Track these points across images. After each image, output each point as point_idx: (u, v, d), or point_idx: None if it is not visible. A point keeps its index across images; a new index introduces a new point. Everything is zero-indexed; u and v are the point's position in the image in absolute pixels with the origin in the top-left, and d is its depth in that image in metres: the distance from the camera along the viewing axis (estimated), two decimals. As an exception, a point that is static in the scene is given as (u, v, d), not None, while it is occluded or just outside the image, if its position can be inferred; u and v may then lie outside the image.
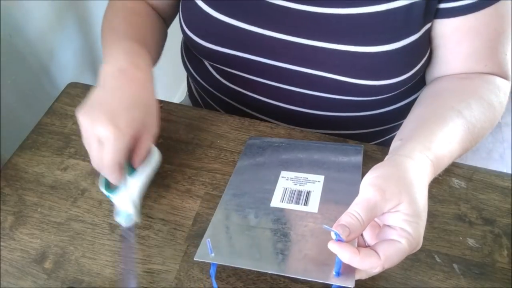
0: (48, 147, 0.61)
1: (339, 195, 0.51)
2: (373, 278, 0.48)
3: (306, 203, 0.51)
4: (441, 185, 0.57)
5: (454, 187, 0.56)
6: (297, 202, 0.51)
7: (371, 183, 0.40)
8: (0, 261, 0.50)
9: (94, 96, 0.48)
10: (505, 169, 1.67)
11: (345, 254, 0.37)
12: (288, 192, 0.52)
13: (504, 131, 1.80)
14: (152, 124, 0.50)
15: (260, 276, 0.48)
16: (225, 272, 0.48)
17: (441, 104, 0.52)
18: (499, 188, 0.56)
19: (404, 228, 0.38)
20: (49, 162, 0.59)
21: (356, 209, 0.38)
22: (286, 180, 0.54)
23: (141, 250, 0.50)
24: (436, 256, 0.50)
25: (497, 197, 0.55)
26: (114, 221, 0.53)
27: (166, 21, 0.71)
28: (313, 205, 0.50)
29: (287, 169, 0.56)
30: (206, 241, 0.46)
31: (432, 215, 0.53)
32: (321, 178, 0.54)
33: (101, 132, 0.45)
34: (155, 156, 0.54)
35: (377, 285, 0.48)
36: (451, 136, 0.48)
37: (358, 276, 0.41)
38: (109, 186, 0.54)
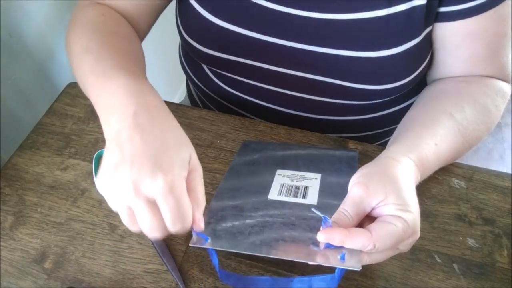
0: (48, 147, 0.61)
1: (336, 190, 0.51)
2: (373, 278, 0.48)
3: (304, 196, 0.50)
4: (441, 185, 0.57)
5: (454, 187, 0.56)
6: (295, 196, 0.51)
7: (355, 182, 0.42)
8: (0, 261, 0.50)
9: (117, 152, 0.38)
10: (505, 169, 1.67)
11: (335, 236, 0.38)
12: (286, 187, 0.52)
13: (504, 131, 1.80)
14: (196, 161, 0.42)
15: (260, 276, 0.48)
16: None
17: (434, 107, 0.54)
18: (499, 188, 0.56)
19: (398, 215, 0.39)
20: (49, 162, 0.59)
21: (343, 207, 0.41)
22: (283, 177, 0.54)
23: (141, 250, 0.50)
24: (436, 256, 0.50)
25: (497, 197, 0.55)
26: (114, 221, 0.53)
27: (139, 34, 0.61)
28: (312, 198, 0.50)
29: (283, 168, 0.56)
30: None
31: (432, 215, 0.53)
32: (318, 176, 0.54)
33: (154, 185, 0.36)
34: None
35: (377, 285, 0.48)
36: (438, 138, 0.49)
37: (362, 261, 0.41)
38: None
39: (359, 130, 0.68)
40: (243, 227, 0.46)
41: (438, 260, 0.50)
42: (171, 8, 0.66)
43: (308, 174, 0.54)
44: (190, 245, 0.43)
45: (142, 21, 0.61)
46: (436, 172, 0.57)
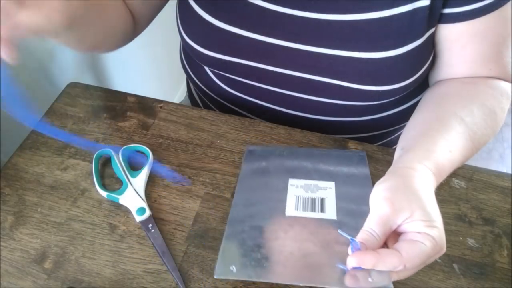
0: (48, 147, 0.61)
1: (353, 201, 0.50)
2: (373, 278, 0.48)
3: (323, 210, 0.49)
4: (441, 185, 0.56)
5: (454, 187, 0.56)
6: (313, 210, 0.50)
7: (380, 197, 0.40)
8: (0, 261, 0.50)
9: None
10: (505, 169, 1.67)
11: (366, 261, 0.37)
12: (302, 200, 0.51)
13: (504, 131, 1.80)
14: None
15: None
16: (225, 272, 0.48)
17: (444, 110, 0.52)
18: (499, 188, 0.56)
19: (427, 233, 0.38)
20: (49, 162, 0.59)
21: (369, 225, 0.39)
22: (296, 188, 0.53)
23: (141, 250, 0.50)
24: (436, 256, 0.50)
25: (497, 197, 0.55)
26: (114, 221, 0.53)
27: (139, 23, 0.63)
28: (331, 212, 0.49)
29: (294, 176, 0.54)
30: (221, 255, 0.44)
31: (432, 215, 0.53)
32: (331, 184, 0.53)
33: None
34: (150, 156, 0.57)
35: (377, 285, 0.48)
36: (452, 144, 0.48)
37: (392, 278, 0.40)
38: (105, 187, 0.55)
39: (359, 131, 0.68)
40: (267, 254, 0.45)
41: (438, 260, 0.50)
42: (172, 8, 0.66)
43: (321, 183, 0.53)
44: (215, 276, 0.44)
45: (142, 15, 0.62)
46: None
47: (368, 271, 0.38)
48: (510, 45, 0.55)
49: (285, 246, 0.46)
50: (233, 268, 0.43)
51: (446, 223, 0.53)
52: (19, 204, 0.55)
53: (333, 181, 0.53)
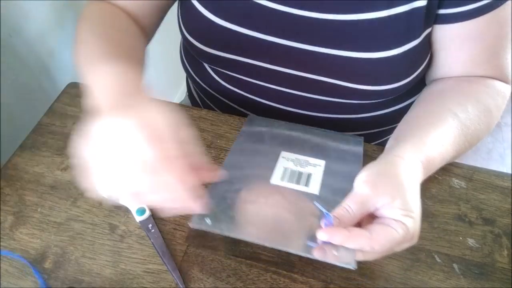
0: (48, 147, 0.61)
1: (339, 181, 0.51)
2: (373, 278, 0.48)
3: (307, 184, 0.50)
4: (441, 185, 0.57)
5: (454, 187, 0.56)
6: (298, 182, 0.50)
7: (364, 180, 0.42)
8: (0, 261, 0.50)
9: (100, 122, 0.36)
10: (505, 169, 1.67)
11: (336, 237, 0.38)
12: (289, 172, 0.52)
13: (504, 131, 1.80)
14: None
15: (260, 276, 0.48)
16: (225, 272, 0.48)
17: (438, 105, 0.53)
18: (499, 188, 0.56)
19: (402, 221, 0.39)
20: (49, 162, 0.59)
21: (347, 202, 0.41)
22: (287, 161, 0.54)
23: (141, 250, 0.50)
24: (436, 256, 0.50)
25: (497, 197, 0.55)
26: (114, 221, 0.53)
27: (146, 31, 0.63)
28: (315, 187, 0.50)
29: (287, 150, 0.55)
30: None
31: (432, 215, 0.53)
32: (322, 162, 0.54)
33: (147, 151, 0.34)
34: None
35: (377, 285, 0.48)
36: (444, 138, 0.49)
37: (357, 257, 0.41)
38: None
39: (358, 129, 0.68)
40: (244, 213, 0.46)
41: (438, 260, 0.50)
42: (172, 8, 0.66)
43: (312, 160, 0.54)
44: (190, 225, 0.44)
45: (147, 20, 0.62)
46: (436, 172, 0.57)
47: (336, 247, 0.40)
48: (509, 47, 0.56)
49: (262, 210, 0.47)
50: (208, 221, 0.44)
51: (446, 223, 0.53)
52: (19, 204, 0.55)
53: (324, 159, 0.54)
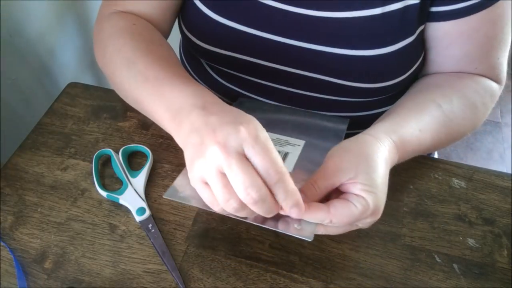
0: (48, 147, 0.61)
1: (315, 160, 0.52)
2: (373, 278, 0.48)
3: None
4: (441, 185, 0.57)
5: (454, 187, 0.56)
6: None
7: (331, 155, 0.43)
8: (0, 261, 0.50)
9: (198, 137, 0.38)
10: (505, 169, 1.66)
11: (293, 212, 0.39)
12: None
13: (504, 131, 1.80)
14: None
15: (260, 276, 0.48)
16: (225, 272, 0.48)
17: (423, 96, 0.55)
18: (499, 188, 0.56)
19: (362, 196, 0.40)
20: (49, 162, 0.59)
21: (313, 178, 0.42)
22: None
23: (141, 250, 0.50)
24: (436, 256, 0.50)
25: (497, 197, 0.55)
26: (114, 221, 0.53)
27: (164, 36, 0.62)
28: (289, 165, 0.51)
29: (270, 130, 0.55)
30: (176, 181, 0.46)
31: (432, 215, 0.54)
32: (301, 142, 0.55)
33: (239, 136, 0.37)
34: (150, 156, 0.57)
35: (377, 285, 0.48)
36: (423, 124, 0.50)
37: (317, 231, 0.43)
38: (105, 187, 0.55)
39: (354, 127, 0.68)
40: None
41: (438, 260, 0.50)
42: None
43: (292, 140, 0.55)
44: (164, 196, 0.45)
45: (166, 24, 0.62)
46: (436, 172, 0.57)
47: (298, 221, 0.41)
48: (501, 46, 0.56)
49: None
50: (182, 194, 0.45)
51: (446, 223, 0.53)
52: (19, 204, 0.55)
53: (306, 138, 0.55)
